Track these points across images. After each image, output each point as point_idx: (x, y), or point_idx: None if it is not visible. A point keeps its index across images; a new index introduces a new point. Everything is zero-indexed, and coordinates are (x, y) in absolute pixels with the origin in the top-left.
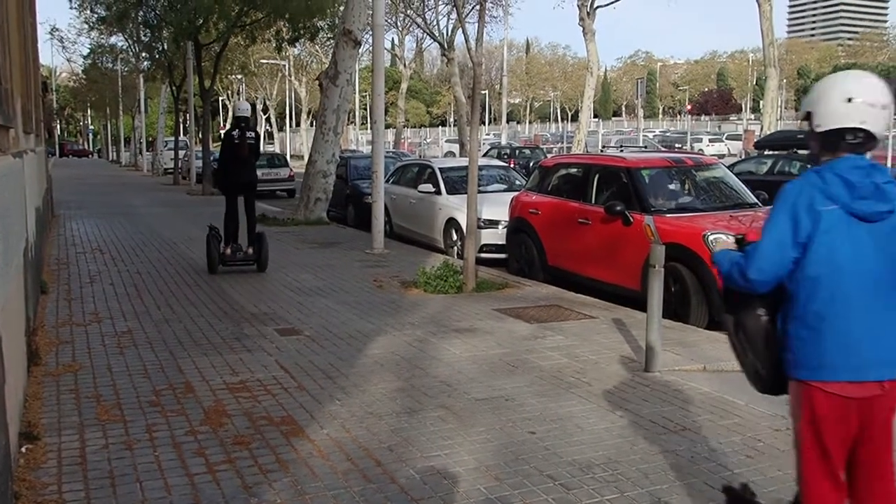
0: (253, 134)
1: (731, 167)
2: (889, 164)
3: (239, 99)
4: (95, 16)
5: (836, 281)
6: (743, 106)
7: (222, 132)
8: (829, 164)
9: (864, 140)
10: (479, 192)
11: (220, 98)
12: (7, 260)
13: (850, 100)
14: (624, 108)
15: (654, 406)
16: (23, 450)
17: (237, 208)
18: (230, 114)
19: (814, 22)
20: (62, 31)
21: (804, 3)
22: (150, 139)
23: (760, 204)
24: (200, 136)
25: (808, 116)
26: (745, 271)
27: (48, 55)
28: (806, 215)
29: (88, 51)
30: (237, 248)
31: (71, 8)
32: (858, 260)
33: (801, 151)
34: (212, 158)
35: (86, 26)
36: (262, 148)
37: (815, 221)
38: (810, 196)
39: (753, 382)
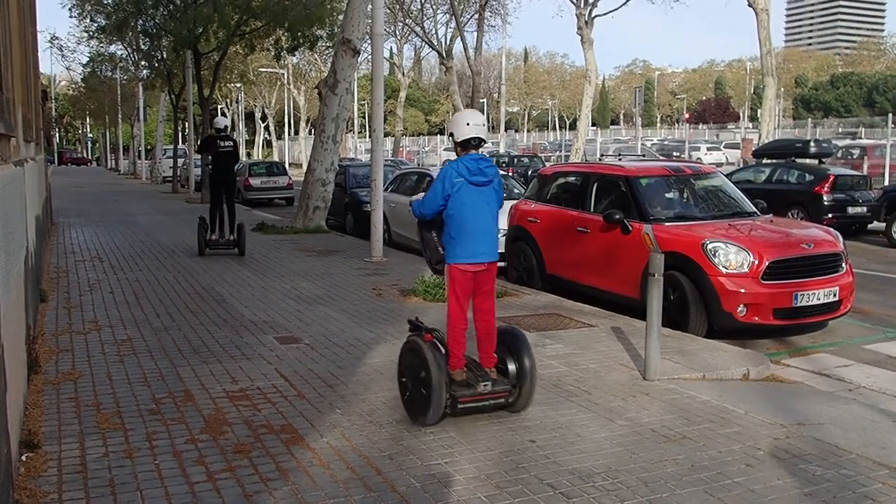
0: (231, 143)
1: (729, 176)
2: (887, 173)
3: (218, 114)
4: (95, 25)
5: (461, 217)
6: (741, 114)
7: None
8: (461, 158)
9: (479, 143)
10: None
11: (219, 106)
12: (8, 268)
13: (468, 124)
14: (622, 117)
15: (654, 415)
16: (23, 458)
17: (220, 201)
18: (228, 122)
19: (811, 31)
20: (62, 40)
21: (802, 13)
22: (149, 147)
23: (759, 213)
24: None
25: (451, 135)
26: (421, 209)
27: (47, 63)
28: (448, 184)
29: (88, 59)
30: (221, 235)
31: (71, 17)
32: (473, 206)
33: (799, 160)
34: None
35: (85, 35)
36: (240, 154)
37: (452, 187)
38: (451, 174)
39: (430, 268)
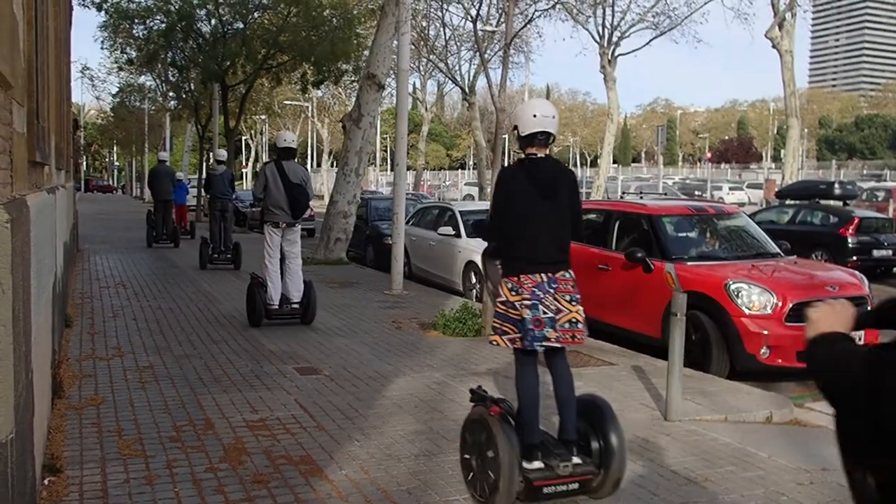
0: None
1: (752, 216)
2: None
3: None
4: (125, 56)
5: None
6: (763, 155)
7: (244, 170)
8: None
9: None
10: None
11: (244, 137)
12: (38, 293)
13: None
14: (643, 155)
15: (675, 456)
16: (46, 482)
17: (162, 212)
18: (252, 152)
19: (836, 72)
20: (92, 70)
21: (826, 53)
22: None
23: (783, 254)
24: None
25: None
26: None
27: (78, 93)
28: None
29: (117, 89)
30: (163, 231)
31: (102, 49)
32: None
33: (823, 201)
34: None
35: (115, 66)
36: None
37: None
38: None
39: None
